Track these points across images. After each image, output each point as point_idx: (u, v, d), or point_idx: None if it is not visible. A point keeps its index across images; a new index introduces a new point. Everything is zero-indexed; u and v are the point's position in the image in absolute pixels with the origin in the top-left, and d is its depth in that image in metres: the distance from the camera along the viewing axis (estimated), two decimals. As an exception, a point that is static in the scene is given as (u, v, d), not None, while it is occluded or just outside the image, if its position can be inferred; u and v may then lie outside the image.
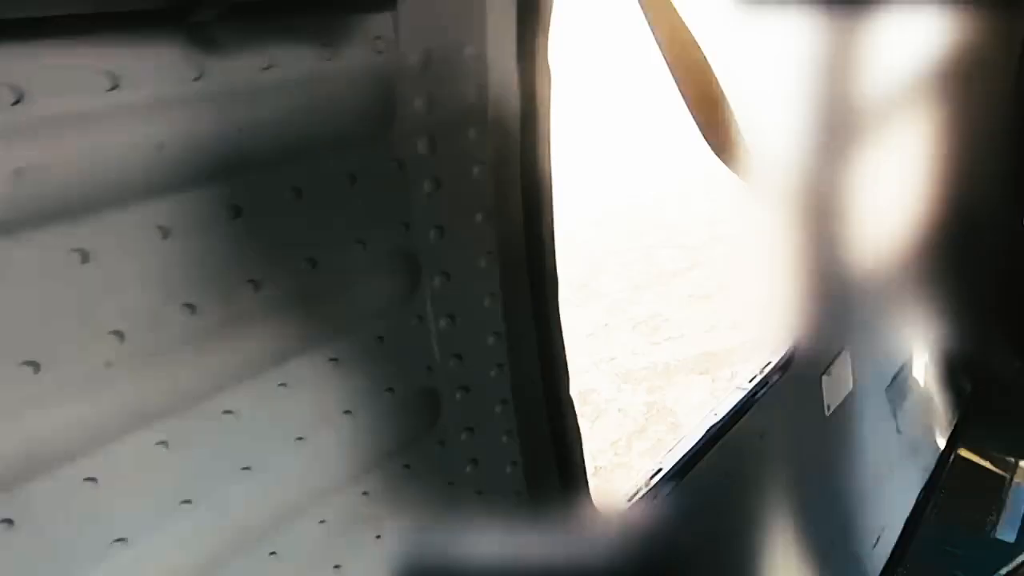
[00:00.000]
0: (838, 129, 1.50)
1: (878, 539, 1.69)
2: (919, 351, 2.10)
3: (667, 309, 4.03)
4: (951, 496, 1.87)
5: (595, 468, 2.83)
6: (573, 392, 3.35)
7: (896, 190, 1.80)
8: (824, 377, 1.57)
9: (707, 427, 1.24)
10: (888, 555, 1.68)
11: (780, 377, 1.41)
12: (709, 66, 0.69)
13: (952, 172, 1.83)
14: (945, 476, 1.94)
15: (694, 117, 0.76)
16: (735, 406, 1.31)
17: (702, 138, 0.78)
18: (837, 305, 1.65)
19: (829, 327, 1.63)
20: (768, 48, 1.30)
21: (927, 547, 1.71)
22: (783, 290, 1.50)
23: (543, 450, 0.84)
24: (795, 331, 1.47)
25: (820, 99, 1.41)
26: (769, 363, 1.43)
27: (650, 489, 1.13)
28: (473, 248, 0.72)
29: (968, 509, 1.80)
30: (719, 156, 0.81)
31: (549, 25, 0.69)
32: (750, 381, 1.37)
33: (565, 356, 0.84)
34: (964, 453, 2.02)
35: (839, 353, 1.63)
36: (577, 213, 6.12)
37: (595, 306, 4.32)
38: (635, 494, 1.13)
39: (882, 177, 1.65)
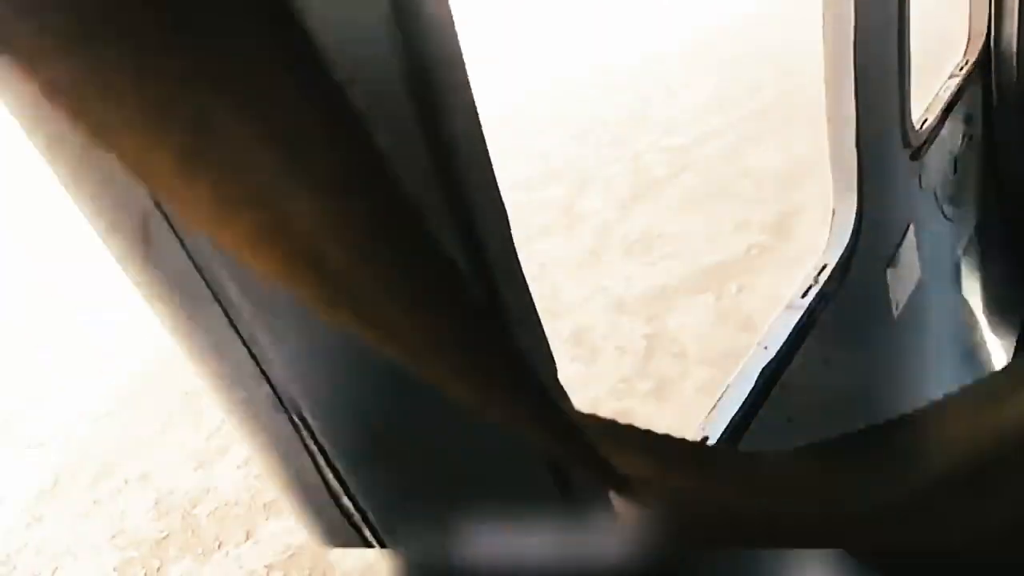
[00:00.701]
0: None
1: None
2: (992, 207, 1.71)
3: (659, 223, 3.60)
4: None
5: (595, 419, 2.51)
6: (565, 333, 2.91)
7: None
8: (890, 270, 1.24)
9: (759, 367, 0.92)
10: None
11: (840, 282, 1.09)
12: None
13: None
14: None
15: None
16: (792, 331, 0.99)
17: None
18: (898, 166, 1.27)
19: (894, 199, 1.27)
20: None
21: None
22: (837, 153, 1.11)
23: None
24: (854, 214, 1.13)
25: None
26: (825, 266, 1.09)
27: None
28: None
29: None
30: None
31: None
32: (803, 296, 1.04)
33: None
34: None
35: (906, 232, 1.28)
36: (554, 124, 5.58)
37: (581, 230, 3.89)
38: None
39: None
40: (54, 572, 3.06)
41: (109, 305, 6.24)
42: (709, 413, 0.89)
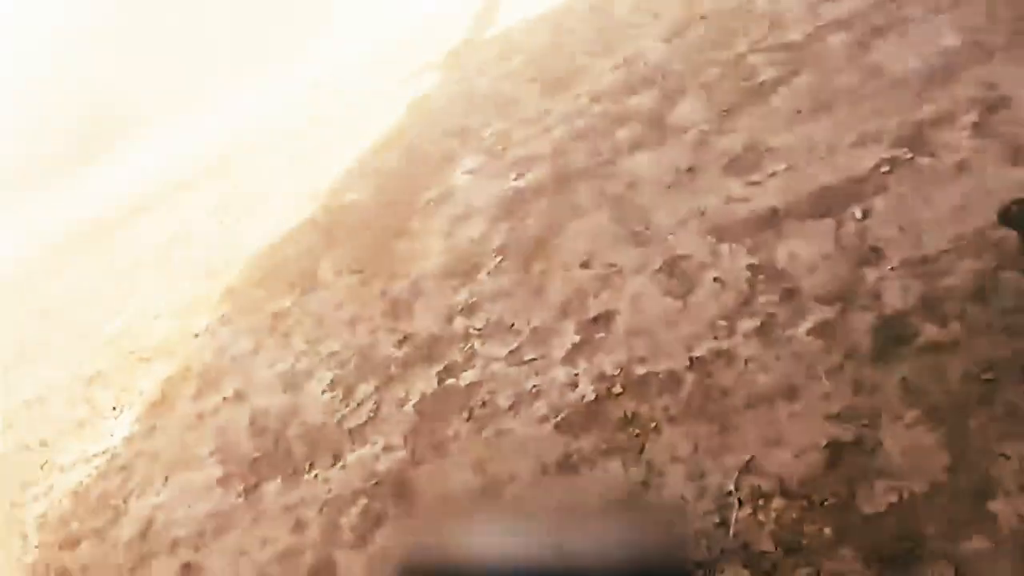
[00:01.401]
0: None
1: None
2: None
3: (768, 135, 3.17)
4: None
5: (690, 360, 2.30)
6: (657, 263, 2.68)
7: None
8: None
9: None
10: None
11: None
12: None
13: None
14: None
15: None
16: None
17: None
18: None
19: None
20: None
21: None
22: None
23: None
24: None
25: None
26: None
27: None
28: None
29: None
30: None
31: None
32: None
33: None
34: None
35: None
36: (641, 22, 5.02)
37: (673, 145, 3.52)
38: None
39: None
40: (166, 481, 3.31)
41: (197, 221, 6.47)
42: None
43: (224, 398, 3.66)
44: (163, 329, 4.83)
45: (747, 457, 1.92)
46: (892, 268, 2.22)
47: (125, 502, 3.33)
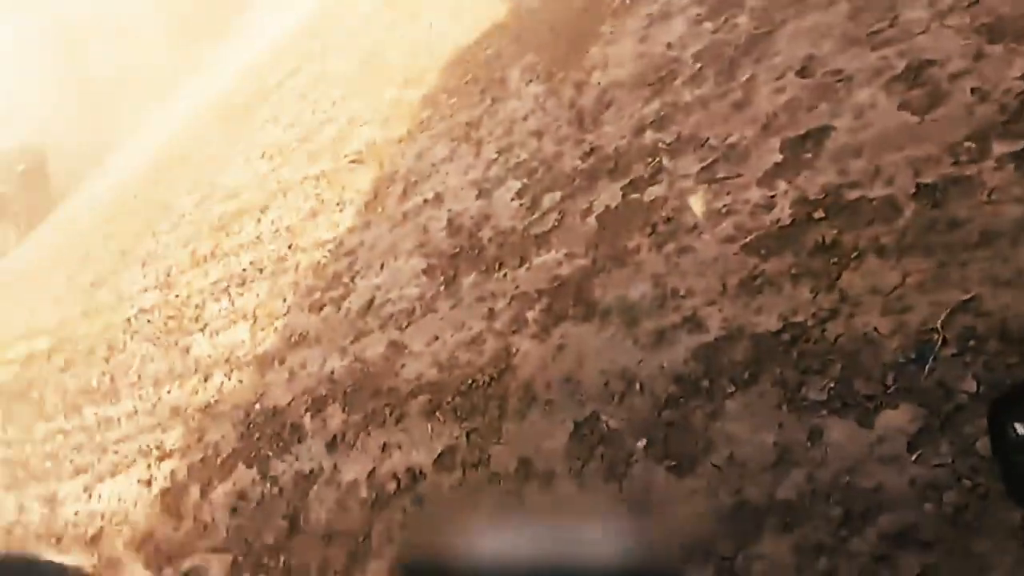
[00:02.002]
0: None
1: None
2: None
3: None
4: None
5: (916, 187, 2.00)
6: (898, 68, 2.33)
7: None
8: None
9: None
10: None
11: None
12: None
13: None
14: None
15: None
16: None
17: None
18: None
19: None
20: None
21: None
22: None
23: None
24: None
25: None
26: None
27: None
28: None
29: None
30: None
31: None
32: None
33: None
34: None
35: None
36: None
37: (950, -90, 2.72)
38: None
39: None
40: (382, 267, 3.86)
41: (396, 26, 6.64)
42: None
43: (425, 200, 4.03)
44: (369, 135, 5.29)
45: (965, 296, 1.71)
46: None
47: (353, 280, 3.99)
